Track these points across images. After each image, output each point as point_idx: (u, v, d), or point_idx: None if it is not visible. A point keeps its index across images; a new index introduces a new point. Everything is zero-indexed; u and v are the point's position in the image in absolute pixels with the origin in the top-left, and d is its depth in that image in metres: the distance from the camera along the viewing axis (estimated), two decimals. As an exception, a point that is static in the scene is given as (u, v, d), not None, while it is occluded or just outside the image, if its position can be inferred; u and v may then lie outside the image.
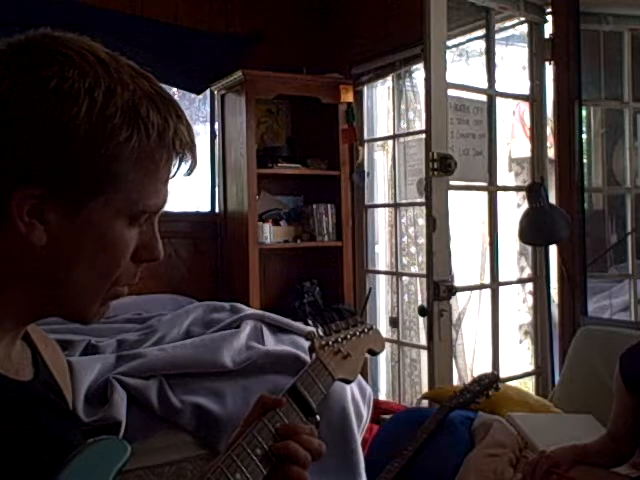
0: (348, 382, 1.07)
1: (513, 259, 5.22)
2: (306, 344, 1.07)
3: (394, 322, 3.90)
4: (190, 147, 0.76)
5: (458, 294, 3.09)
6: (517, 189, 4.79)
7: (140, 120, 0.71)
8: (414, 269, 3.97)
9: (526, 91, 3.22)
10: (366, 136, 3.99)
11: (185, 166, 0.77)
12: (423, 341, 3.68)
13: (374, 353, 1.17)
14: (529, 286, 4.11)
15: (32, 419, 0.74)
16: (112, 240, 0.73)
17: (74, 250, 0.72)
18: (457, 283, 2.92)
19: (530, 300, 3.74)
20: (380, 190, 4.07)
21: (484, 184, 3.09)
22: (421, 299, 3.77)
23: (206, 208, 4.12)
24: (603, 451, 1.84)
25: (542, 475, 1.82)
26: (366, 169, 3.95)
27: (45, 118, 0.68)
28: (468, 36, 3.37)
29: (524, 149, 4.82)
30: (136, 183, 0.73)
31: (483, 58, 3.13)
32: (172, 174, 0.77)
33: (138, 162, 0.72)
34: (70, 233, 0.71)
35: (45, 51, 0.70)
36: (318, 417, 0.94)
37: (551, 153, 3.20)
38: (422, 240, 3.79)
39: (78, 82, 0.68)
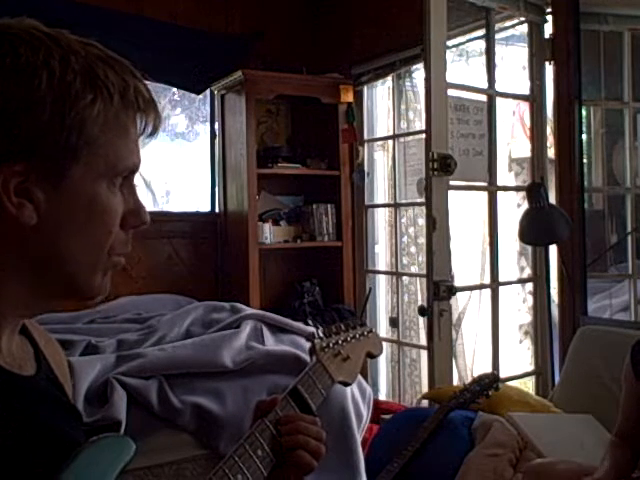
0: (347, 385, 1.08)
1: (513, 259, 5.22)
2: (306, 344, 1.08)
3: (394, 322, 3.89)
4: (152, 104, 0.78)
5: (458, 294, 3.09)
6: (517, 189, 4.79)
7: (100, 82, 0.73)
8: (414, 269, 3.97)
9: (526, 91, 3.22)
10: (366, 136, 3.99)
11: (151, 124, 0.79)
12: (423, 341, 3.68)
13: (372, 356, 1.17)
14: (529, 286, 4.11)
15: (36, 414, 0.74)
16: (100, 207, 0.75)
17: (65, 223, 0.73)
18: (457, 283, 2.93)
19: (530, 300, 3.74)
20: (380, 190, 4.07)
21: (484, 184, 3.09)
22: (421, 299, 3.77)
23: (206, 208, 4.12)
24: (623, 458, 1.79)
25: None
26: (366, 169, 3.96)
27: (9, 94, 0.69)
28: (468, 36, 3.37)
29: (524, 149, 4.82)
30: (110, 145, 0.74)
31: (483, 58, 3.13)
32: (140, 132, 0.78)
33: (107, 123, 0.74)
34: (58, 207, 0.72)
35: None
36: (318, 420, 0.94)
37: (551, 153, 3.20)
38: (422, 240, 3.79)
39: (32, 57, 0.70)
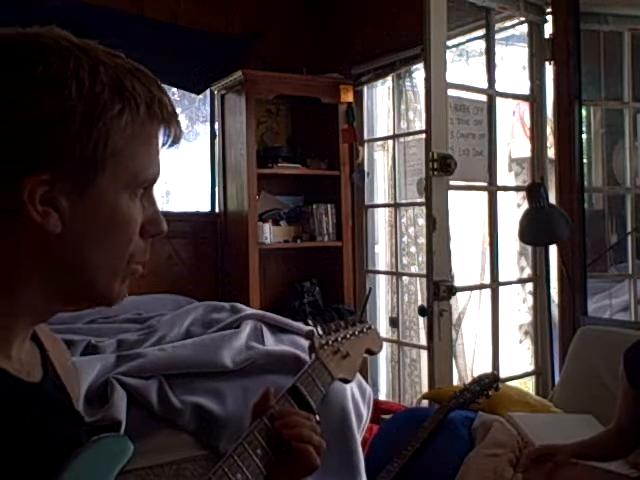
0: (347, 382, 1.07)
1: (513, 259, 5.22)
2: (306, 344, 1.07)
3: (394, 322, 3.90)
4: (175, 116, 0.79)
5: (458, 294, 3.09)
6: (517, 189, 4.79)
7: (128, 93, 0.73)
8: (414, 269, 3.97)
9: (526, 91, 3.22)
10: (366, 136, 3.99)
11: (173, 135, 0.80)
12: (423, 341, 3.69)
13: (372, 353, 1.17)
14: (529, 286, 4.11)
15: (42, 421, 0.75)
16: (122, 216, 0.75)
17: (88, 232, 0.74)
18: (457, 283, 2.93)
19: (530, 300, 3.74)
20: (380, 190, 4.07)
21: (484, 184, 3.09)
22: (421, 299, 3.77)
23: (206, 208, 4.13)
24: (605, 443, 1.85)
25: (529, 462, 1.84)
26: (366, 169, 3.96)
27: (39, 103, 0.69)
28: (468, 36, 3.37)
29: (524, 149, 4.82)
30: (135, 155, 0.75)
31: (483, 58, 3.13)
32: (162, 143, 0.80)
33: (133, 134, 0.74)
34: (82, 215, 0.73)
35: (23, 43, 0.72)
36: (318, 417, 0.94)
37: (551, 153, 3.20)
38: (422, 240, 3.79)
39: (63, 66, 0.70)
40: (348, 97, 3.86)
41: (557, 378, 2.91)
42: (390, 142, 3.94)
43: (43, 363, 0.82)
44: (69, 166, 0.71)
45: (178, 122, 0.80)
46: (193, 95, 4.25)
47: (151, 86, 0.76)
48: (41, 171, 0.69)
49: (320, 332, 1.07)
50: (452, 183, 2.79)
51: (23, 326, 0.76)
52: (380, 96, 4.06)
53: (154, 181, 0.80)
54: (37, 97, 0.69)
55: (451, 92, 2.80)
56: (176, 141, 0.80)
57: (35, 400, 0.76)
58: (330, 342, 1.06)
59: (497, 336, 3.09)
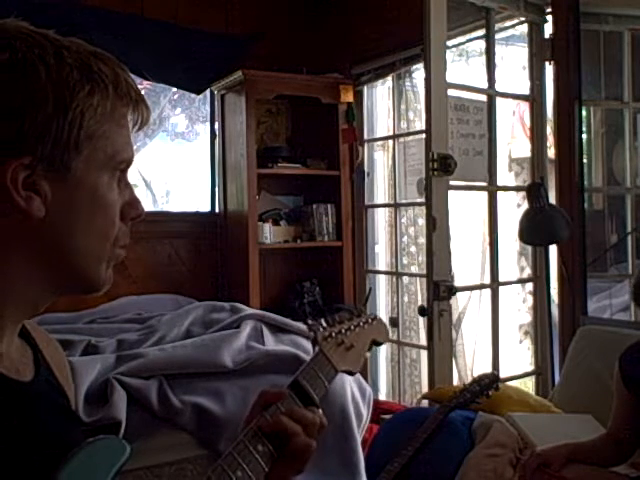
0: (352, 374, 1.06)
1: (513, 259, 5.22)
2: (306, 344, 1.06)
3: (394, 322, 3.89)
4: (142, 96, 0.80)
5: (458, 294, 3.09)
6: (517, 189, 4.79)
7: (95, 74, 0.74)
8: (414, 269, 3.97)
9: (526, 91, 3.22)
10: (366, 136, 3.99)
11: (142, 116, 0.80)
12: (423, 341, 3.68)
13: (378, 344, 1.15)
14: (529, 286, 4.11)
15: (32, 420, 0.74)
16: (103, 199, 0.76)
17: (72, 215, 0.74)
18: (457, 283, 2.93)
19: (530, 300, 3.74)
20: (380, 190, 4.07)
21: (484, 184, 3.09)
22: (421, 299, 3.77)
23: (206, 208, 4.12)
24: (602, 450, 1.84)
25: (531, 474, 1.83)
26: (366, 169, 3.96)
27: (12, 89, 0.70)
28: (468, 36, 3.37)
29: (524, 149, 4.82)
30: (109, 136, 0.76)
31: (483, 58, 3.13)
32: (133, 124, 0.80)
33: (105, 115, 0.75)
34: (64, 199, 0.73)
35: None
36: (320, 411, 0.92)
37: (551, 153, 3.20)
38: (422, 240, 3.79)
39: (28, 52, 0.71)
40: (348, 97, 3.86)
41: (557, 378, 2.91)
42: (390, 142, 3.94)
43: (36, 361, 0.81)
44: (46, 149, 0.71)
45: (146, 103, 0.80)
46: (193, 95, 4.25)
47: (115, 67, 0.77)
48: (21, 154, 0.70)
49: (324, 324, 1.05)
50: (452, 183, 2.79)
51: (12, 319, 0.76)
52: (380, 96, 4.06)
53: (129, 164, 0.80)
54: (7, 84, 0.70)
55: (451, 92, 2.80)
56: (145, 123, 0.81)
57: (26, 399, 0.75)
58: (334, 334, 1.03)
59: (497, 336, 3.09)
